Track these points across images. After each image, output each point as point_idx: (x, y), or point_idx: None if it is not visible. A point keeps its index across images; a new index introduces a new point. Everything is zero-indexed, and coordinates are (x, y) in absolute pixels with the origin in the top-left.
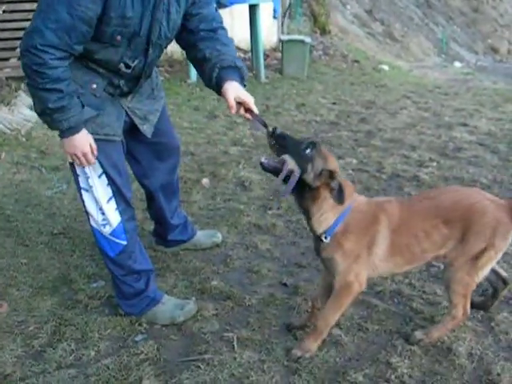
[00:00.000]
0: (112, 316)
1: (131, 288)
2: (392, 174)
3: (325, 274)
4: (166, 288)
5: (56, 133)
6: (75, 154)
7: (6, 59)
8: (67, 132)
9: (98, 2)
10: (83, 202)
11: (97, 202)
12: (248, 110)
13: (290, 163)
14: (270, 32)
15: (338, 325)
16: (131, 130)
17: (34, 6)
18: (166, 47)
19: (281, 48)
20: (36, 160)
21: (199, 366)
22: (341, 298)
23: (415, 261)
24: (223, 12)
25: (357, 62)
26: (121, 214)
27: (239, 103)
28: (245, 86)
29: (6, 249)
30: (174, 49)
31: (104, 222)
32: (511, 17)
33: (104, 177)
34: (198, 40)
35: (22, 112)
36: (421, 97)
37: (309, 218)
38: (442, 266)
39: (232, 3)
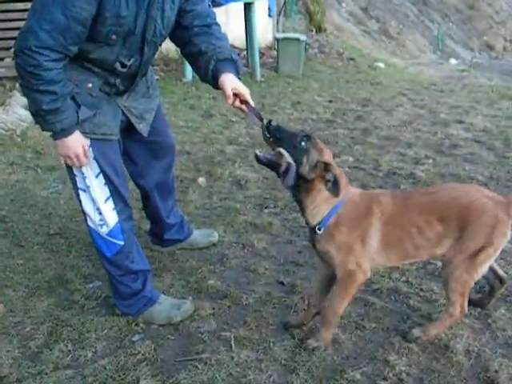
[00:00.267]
0: (109, 316)
1: (128, 288)
2: (388, 172)
3: (320, 271)
4: (163, 288)
5: None
6: (68, 156)
7: (1, 59)
8: (60, 134)
9: (93, 3)
10: (80, 202)
11: (94, 202)
12: (244, 101)
13: (287, 156)
14: (265, 30)
15: None
16: (127, 130)
17: (28, 5)
18: (160, 45)
19: (276, 46)
20: (31, 160)
21: (196, 366)
22: (346, 287)
23: (408, 257)
24: (218, 10)
25: (352, 59)
26: (118, 213)
27: (235, 95)
28: (240, 79)
29: (2, 250)
30: (169, 47)
31: (101, 222)
32: (507, 14)
33: (101, 176)
34: (193, 35)
35: (16, 112)
36: (416, 94)
37: (303, 210)
38: (440, 264)
39: (227, 1)
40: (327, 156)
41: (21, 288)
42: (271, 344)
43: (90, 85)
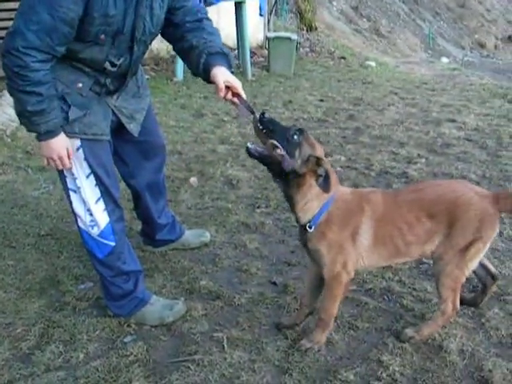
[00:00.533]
0: (100, 317)
1: (120, 289)
2: (381, 171)
3: (311, 271)
4: (155, 288)
5: None
6: (51, 158)
7: None
8: (45, 135)
9: (80, 3)
10: (71, 203)
11: (85, 202)
12: (236, 94)
13: (279, 147)
14: (256, 29)
15: None
16: (117, 130)
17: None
18: (150, 43)
19: (267, 45)
20: (22, 160)
21: (189, 367)
22: (333, 289)
23: (400, 254)
24: (210, 9)
25: (343, 58)
26: (109, 214)
27: (227, 88)
28: (232, 72)
29: None
30: (159, 46)
31: (92, 223)
32: (498, 12)
33: (92, 177)
34: (185, 32)
35: (6, 112)
36: (408, 93)
37: (293, 207)
38: (432, 263)
39: (218, 1)
40: (319, 151)
41: (12, 289)
42: (264, 344)
43: (80, 84)
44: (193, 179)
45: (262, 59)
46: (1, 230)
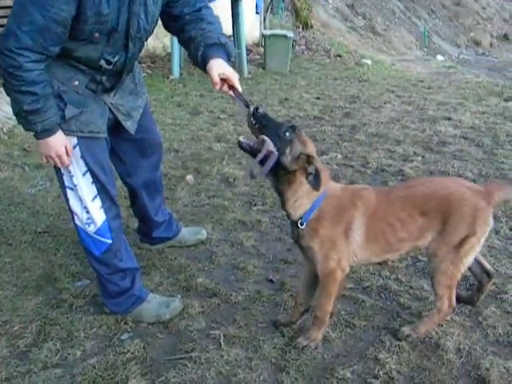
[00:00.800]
0: (97, 315)
1: (116, 286)
2: (377, 169)
3: (306, 268)
4: (152, 286)
5: None
6: (49, 156)
7: None
8: (42, 134)
9: (72, 3)
10: (67, 200)
11: (81, 200)
12: (231, 86)
13: (269, 144)
14: (252, 27)
15: None
16: (114, 127)
17: None
18: (146, 40)
19: (263, 43)
20: (19, 158)
21: (186, 365)
22: (327, 286)
23: (392, 250)
24: None
25: (339, 56)
26: (106, 212)
27: (223, 80)
28: (233, 62)
29: None
30: (156, 44)
31: (89, 221)
32: (493, 10)
33: (88, 175)
34: (185, 23)
35: (3, 109)
36: (404, 91)
37: (284, 203)
38: (427, 260)
39: None
40: (310, 149)
41: (8, 287)
42: (261, 342)
43: (77, 82)
44: (189, 177)
45: (257, 57)
46: None
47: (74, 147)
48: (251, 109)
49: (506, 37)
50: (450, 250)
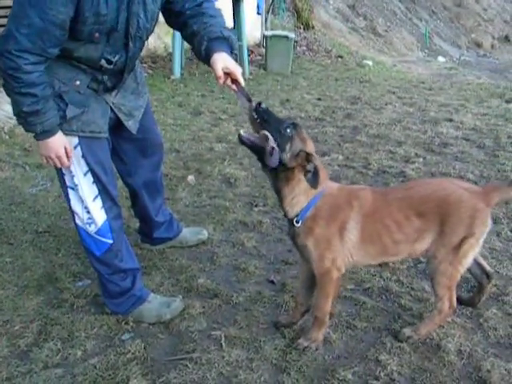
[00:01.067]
0: (98, 315)
1: (117, 287)
2: (378, 170)
3: (303, 268)
4: (153, 286)
5: None
6: (49, 157)
7: None
8: (41, 135)
9: (70, 5)
10: (69, 200)
11: (82, 200)
12: (235, 80)
13: (272, 140)
14: (253, 28)
15: None
16: (115, 127)
17: None
18: (147, 39)
19: (265, 44)
20: (19, 157)
21: (187, 365)
22: (324, 286)
23: (388, 253)
24: None
25: (340, 57)
26: (107, 212)
27: (227, 74)
28: (236, 55)
29: None
30: (157, 44)
31: (89, 221)
32: (495, 11)
33: (89, 175)
34: (187, 18)
35: (4, 109)
36: (405, 92)
37: (281, 200)
38: (426, 262)
39: None
40: (310, 147)
41: (10, 286)
42: (262, 343)
43: (78, 82)
44: (190, 177)
45: (259, 57)
46: None
47: (75, 147)
48: (253, 103)
49: (507, 38)
50: (448, 252)
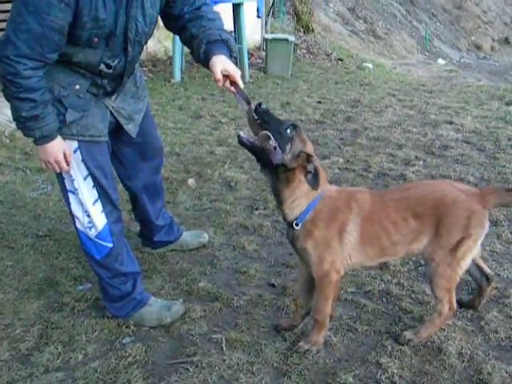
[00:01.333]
0: (99, 318)
1: (118, 290)
2: (379, 173)
3: (303, 271)
4: (153, 290)
5: None
6: (48, 161)
7: None
8: (40, 140)
9: (68, 11)
10: (69, 204)
11: (82, 204)
12: (233, 83)
13: (273, 140)
14: (253, 31)
15: None
16: (115, 131)
17: None
18: (146, 43)
19: (265, 47)
20: (20, 161)
21: (188, 369)
22: (323, 288)
23: (386, 254)
24: None
25: (340, 60)
26: (107, 216)
27: (226, 76)
28: (235, 57)
29: None
30: (157, 48)
31: (90, 225)
32: (494, 13)
33: (89, 179)
34: (186, 22)
35: (4, 113)
36: (406, 95)
37: (281, 203)
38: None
39: (216, 2)
40: (309, 148)
41: (10, 290)
42: (263, 346)
43: (78, 86)
44: (191, 181)
45: (259, 61)
46: None
47: (75, 151)
48: (252, 105)
49: (507, 40)
50: (446, 253)
